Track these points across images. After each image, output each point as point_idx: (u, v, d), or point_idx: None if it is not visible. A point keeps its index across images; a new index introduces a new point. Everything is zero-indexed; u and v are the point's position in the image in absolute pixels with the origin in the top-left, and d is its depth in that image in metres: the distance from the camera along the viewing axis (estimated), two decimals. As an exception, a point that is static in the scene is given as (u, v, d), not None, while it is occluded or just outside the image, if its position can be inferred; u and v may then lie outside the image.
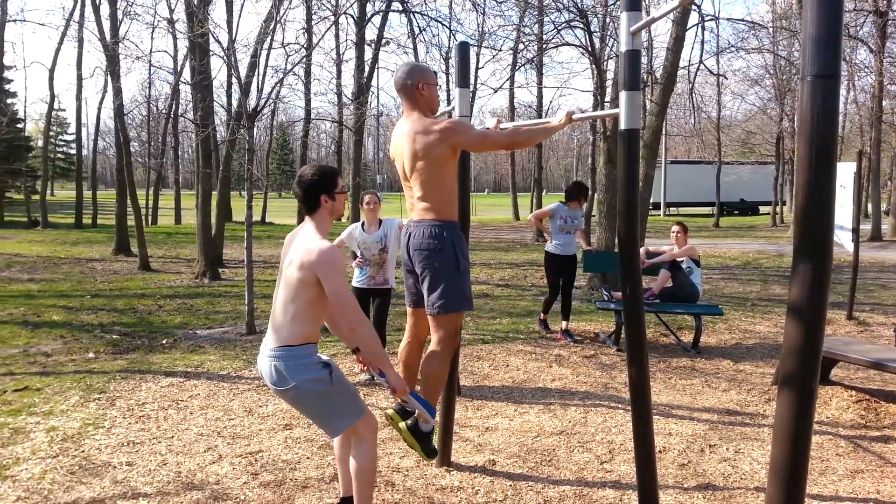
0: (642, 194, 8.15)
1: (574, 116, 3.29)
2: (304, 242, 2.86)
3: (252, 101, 7.64)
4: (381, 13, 18.84)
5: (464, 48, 4.00)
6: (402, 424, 3.30)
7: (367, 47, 19.60)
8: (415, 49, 20.61)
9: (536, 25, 16.63)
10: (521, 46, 22.88)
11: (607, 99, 9.74)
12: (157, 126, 28.96)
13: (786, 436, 2.19)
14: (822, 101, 2.05)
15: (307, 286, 2.81)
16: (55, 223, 27.18)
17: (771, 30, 22.52)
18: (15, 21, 23.52)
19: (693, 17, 12.46)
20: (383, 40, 21.41)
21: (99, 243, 19.75)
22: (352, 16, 16.40)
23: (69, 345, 7.21)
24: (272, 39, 8.07)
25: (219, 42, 7.91)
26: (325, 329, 7.80)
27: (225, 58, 7.94)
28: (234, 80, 7.73)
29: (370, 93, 21.02)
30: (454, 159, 3.35)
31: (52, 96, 25.54)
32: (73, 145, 43.03)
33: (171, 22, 18.70)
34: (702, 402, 5.30)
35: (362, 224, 5.72)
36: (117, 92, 13.91)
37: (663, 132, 33.37)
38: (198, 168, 13.37)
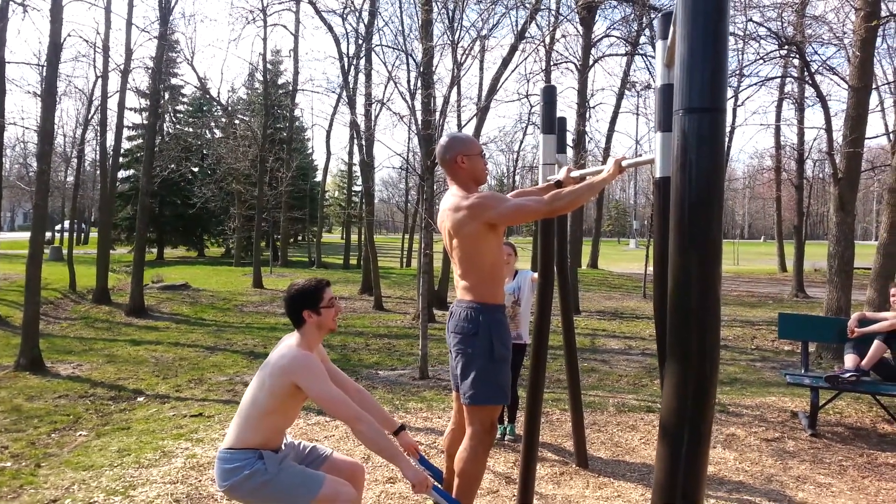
0: (885, 245, 6.71)
1: (623, 164, 2.83)
2: (281, 349, 2.89)
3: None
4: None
5: (549, 92, 3.71)
6: None
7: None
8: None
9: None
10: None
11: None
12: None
13: None
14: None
15: (273, 394, 2.80)
16: (328, 263, 30.80)
17: None
18: (303, 91, 27.60)
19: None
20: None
21: (354, 283, 21.82)
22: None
23: (268, 376, 7.99)
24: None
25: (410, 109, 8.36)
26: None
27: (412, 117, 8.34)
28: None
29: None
30: (492, 235, 3.10)
31: (329, 153, 30.03)
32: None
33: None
34: (895, 516, 4.14)
35: (495, 276, 5.52)
36: (361, 149, 15.55)
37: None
38: (422, 216, 14.24)
